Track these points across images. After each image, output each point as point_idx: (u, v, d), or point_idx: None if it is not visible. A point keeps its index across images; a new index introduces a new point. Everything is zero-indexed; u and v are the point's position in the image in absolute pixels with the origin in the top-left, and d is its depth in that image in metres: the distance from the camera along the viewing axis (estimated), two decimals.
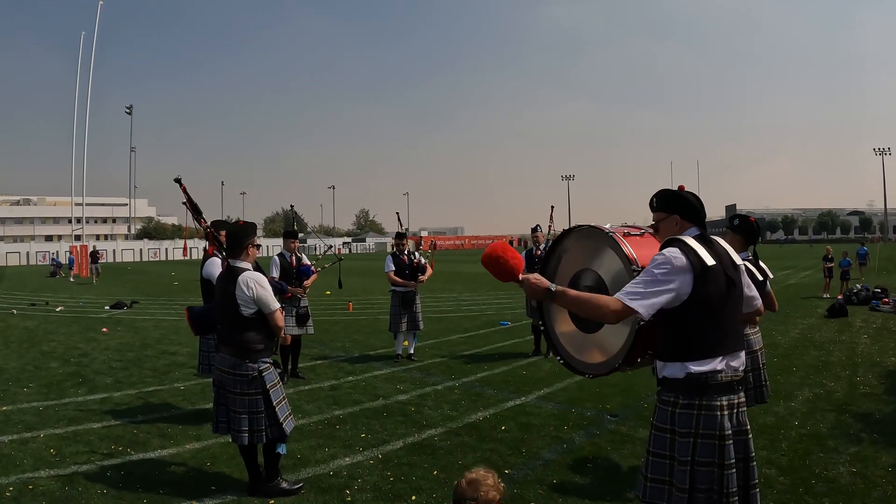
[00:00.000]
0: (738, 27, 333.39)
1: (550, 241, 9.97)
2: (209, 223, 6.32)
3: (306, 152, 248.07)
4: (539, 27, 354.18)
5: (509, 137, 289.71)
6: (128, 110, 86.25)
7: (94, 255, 34.97)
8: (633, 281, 2.83)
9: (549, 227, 10.48)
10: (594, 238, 3.45)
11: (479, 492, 2.61)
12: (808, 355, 9.71)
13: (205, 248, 6.56)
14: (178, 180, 5.51)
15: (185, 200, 5.61)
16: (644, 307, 2.72)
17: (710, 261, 2.81)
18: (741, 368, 2.89)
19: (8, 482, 4.84)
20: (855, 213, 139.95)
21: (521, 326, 13.03)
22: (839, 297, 16.62)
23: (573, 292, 2.89)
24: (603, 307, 2.77)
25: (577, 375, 3.59)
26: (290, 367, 8.38)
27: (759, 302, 3.31)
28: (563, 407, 6.87)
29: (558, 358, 3.64)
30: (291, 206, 10.82)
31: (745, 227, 4.86)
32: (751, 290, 3.21)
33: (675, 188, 3.13)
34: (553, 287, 2.87)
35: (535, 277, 2.92)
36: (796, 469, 4.99)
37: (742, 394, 2.90)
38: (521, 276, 2.95)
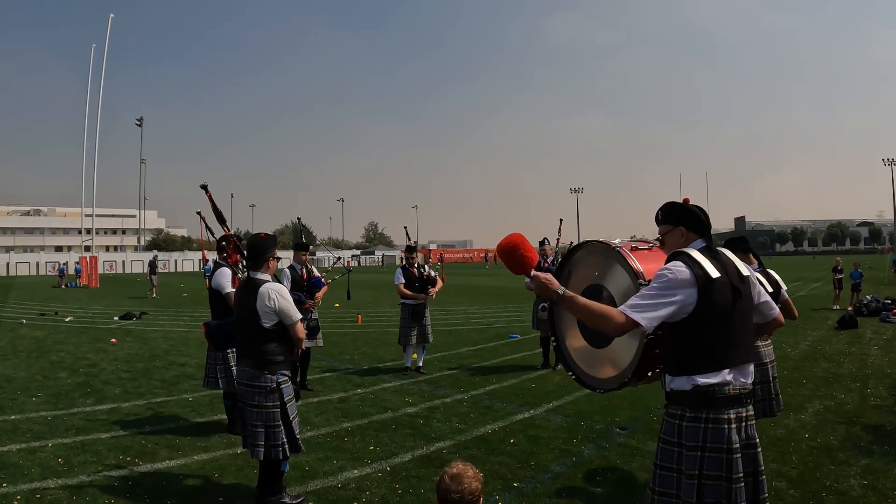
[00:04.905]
0: (747, 39, 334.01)
1: (559, 254, 10.05)
2: (221, 237, 6.38)
3: (315, 165, 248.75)
4: (548, 42, 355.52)
5: (518, 150, 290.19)
6: (138, 122, 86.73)
7: (153, 266, 31.78)
8: (636, 294, 2.85)
9: (558, 240, 10.53)
10: (603, 253, 3.49)
11: (462, 485, 2.70)
12: (819, 367, 9.65)
13: (214, 260, 6.58)
14: (204, 187, 5.67)
15: (210, 207, 5.76)
16: (646, 319, 2.76)
17: (714, 273, 2.81)
18: (750, 381, 2.88)
19: (16, 491, 4.85)
20: (864, 223, 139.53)
21: (530, 339, 13.00)
22: (849, 308, 16.54)
23: (581, 300, 2.92)
24: (607, 317, 2.82)
25: (586, 389, 3.60)
26: (298, 379, 8.37)
27: (776, 311, 3.27)
28: (573, 420, 6.84)
29: (570, 374, 3.67)
30: (299, 219, 10.89)
31: (734, 244, 5.11)
32: (763, 299, 3.15)
33: (681, 201, 3.14)
34: (561, 290, 2.93)
35: (546, 277, 2.98)
36: (807, 482, 4.95)
37: (751, 407, 2.88)
38: (532, 273, 3.03)
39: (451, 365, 10.34)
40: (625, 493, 4.89)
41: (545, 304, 9.41)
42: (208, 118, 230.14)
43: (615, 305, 3.40)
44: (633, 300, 2.82)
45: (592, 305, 2.89)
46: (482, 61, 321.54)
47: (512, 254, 3.12)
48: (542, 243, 10.13)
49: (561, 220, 10.88)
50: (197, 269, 63.03)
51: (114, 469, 5.40)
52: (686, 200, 3.14)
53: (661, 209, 3.15)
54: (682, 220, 3.06)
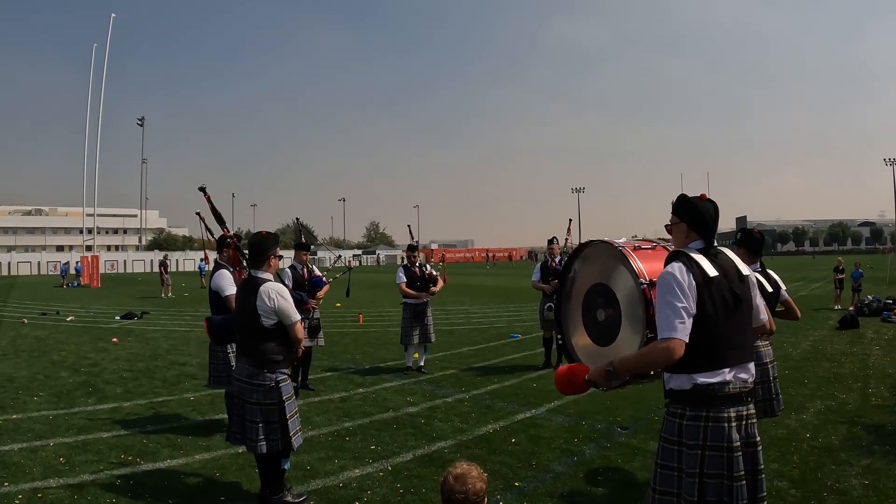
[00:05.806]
0: (748, 41, 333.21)
1: (565, 255, 10.09)
2: (221, 237, 6.38)
3: (316, 164, 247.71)
4: (549, 42, 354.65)
5: (519, 150, 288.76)
6: (139, 122, 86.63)
7: (165, 265, 30.99)
8: (658, 315, 2.83)
9: (566, 239, 10.56)
10: (606, 253, 3.55)
11: (466, 485, 2.69)
12: (820, 367, 9.65)
13: (215, 260, 6.58)
14: (202, 189, 5.67)
15: (209, 208, 5.77)
16: (684, 332, 2.74)
17: (711, 272, 2.82)
18: (750, 380, 2.88)
19: (17, 490, 4.86)
20: (866, 223, 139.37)
21: (532, 339, 13.01)
22: (850, 308, 16.52)
23: (630, 356, 2.94)
24: (656, 355, 2.79)
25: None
26: (300, 378, 8.38)
27: (765, 319, 3.24)
28: (574, 419, 6.84)
29: None
30: (297, 219, 10.87)
31: (747, 240, 4.99)
32: (758, 302, 3.13)
33: (698, 195, 3.11)
34: (609, 367, 2.94)
35: (595, 373, 3.02)
36: (808, 482, 4.95)
37: (752, 405, 2.89)
38: (587, 378, 3.08)
39: (453, 364, 10.34)
40: (626, 492, 4.89)
41: (551, 304, 9.43)
42: (210, 118, 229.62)
43: (618, 305, 3.43)
44: (661, 323, 2.80)
45: (640, 354, 2.90)
46: (484, 60, 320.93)
47: (569, 387, 3.17)
48: (550, 242, 10.13)
49: (570, 220, 10.95)
50: (208, 265, 63.26)
51: (115, 468, 5.40)
52: (703, 196, 3.10)
53: (676, 199, 3.14)
54: (688, 217, 3.05)
